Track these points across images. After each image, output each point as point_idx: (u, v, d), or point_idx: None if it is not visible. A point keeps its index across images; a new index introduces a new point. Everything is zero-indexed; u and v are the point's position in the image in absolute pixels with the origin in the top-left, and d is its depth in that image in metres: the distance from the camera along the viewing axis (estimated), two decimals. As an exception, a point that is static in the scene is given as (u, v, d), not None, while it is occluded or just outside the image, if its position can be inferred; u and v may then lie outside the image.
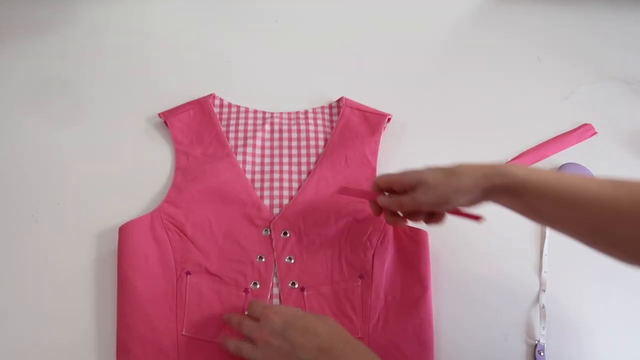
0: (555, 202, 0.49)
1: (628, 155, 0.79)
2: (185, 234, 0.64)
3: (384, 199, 0.58)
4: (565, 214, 0.49)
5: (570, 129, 0.80)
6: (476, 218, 0.59)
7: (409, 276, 0.64)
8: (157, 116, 0.74)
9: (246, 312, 0.59)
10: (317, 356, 0.48)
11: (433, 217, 0.59)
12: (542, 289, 0.66)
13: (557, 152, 0.78)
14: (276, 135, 0.75)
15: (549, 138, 0.79)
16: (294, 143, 0.74)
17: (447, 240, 0.68)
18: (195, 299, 0.61)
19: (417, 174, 0.55)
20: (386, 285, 0.63)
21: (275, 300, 0.62)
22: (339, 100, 0.78)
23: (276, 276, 0.63)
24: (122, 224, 0.63)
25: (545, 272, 0.67)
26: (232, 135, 0.74)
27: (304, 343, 0.49)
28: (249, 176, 0.70)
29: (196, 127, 0.74)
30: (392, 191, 0.59)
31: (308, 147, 0.74)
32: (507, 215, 0.71)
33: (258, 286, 0.62)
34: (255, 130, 0.74)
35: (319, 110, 0.78)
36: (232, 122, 0.75)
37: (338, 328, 0.52)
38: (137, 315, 0.58)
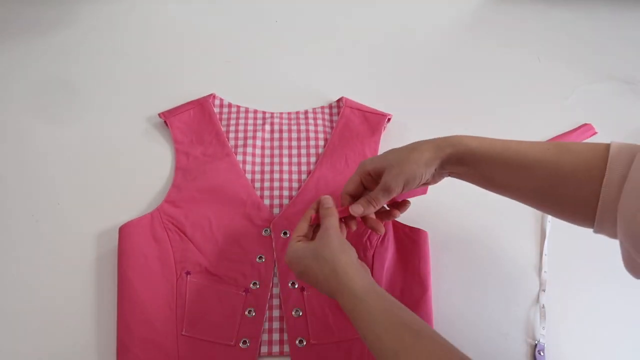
0: (503, 167, 0.51)
1: (628, 155, 0.79)
2: (185, 234, 0.64)
3: (356, 208, 0.56)
4: (512, 179, 0.52)
5: (570, 129, 0.80)
6: (423, 191, 0.60)
7: (409, 276, 0.64)
8: (157, 116, 0.74)
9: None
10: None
11: (402, 205, 0.61)
12: (542, 289, 0.66)
13: (557, 152, 0.78)
14: (276, 135, 0.75)
15: (549, 138, 0.79)
16: (294, 143, 0.74)
17: (447, 240, 0.69)
18: (195, 299, 0.61)
19: (379, 160, 0.57)
20: (386, 285, 0.63)
21: (275, 300, 0.62)
22: (339, 100, 0.78)
23: (276, 276, 0.63)
24: (122, 224, 0.63)
25: (545, 272, 0.67)
26: (232, 135, 0.74)
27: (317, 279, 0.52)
28: (249, 176, 0.70)
29: (196, 127, 0.74)
30: (361, 191, 0.59)
31: (308, 147, 0.74)
32: (507, 215, 0.71)
33: (258, 286, 0.62)
34: (255, 130, 0.74)
35: (319, 110, 0.78)
36: (232, 122, 0.75)
37: (329, 275, 0.52)
38: (137, 315, 0.58)
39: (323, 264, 0.51)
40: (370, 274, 0.56)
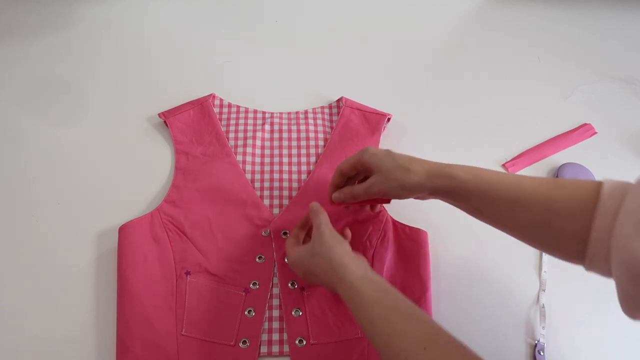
0: (495, 201, 0.51)
1: (628, 155, 0.79)
2: (185, 234, 0.64)
3: (337, 195, 0.61)
4: (504, 213, 0.52)
5: (570, 129, 0.80)
6: (387, 201, 0.61)
7: (409, 276, 0.64)
8: (157, 116, 0.74)
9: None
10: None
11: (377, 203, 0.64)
12: (542, 289, 0.66)
13: (557, 152, 0.78)
14: (276, 135, 0.75)
15: (549, 138, 0.79)
16: (294, 143, 0.74)
17: (447, 240, 0.69)
18: (195, 299, 0.61)
19: (376, 160, 0.57)
20: (386, 285, 0.63)
21: (275, 301, 0.62)
22: (338, 100, 0.78)
23: (276, 276, 0.63)
24: (122, 224, 0.63)
25: (545, 272, 0.67)
26: (232, 135, 0.74)
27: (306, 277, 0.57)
28: (248, 176, 0.70)
29: (196, 127, 0.74)
30: (354, 172, 0.61)
31: (308, 147, 0.74)
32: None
33: (258, 286, 0.62)
34: (255, 130, 0.74)
35: (318, 110, 0.78)
36: (232, 122, 0.75)
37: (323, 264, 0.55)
38: (137, 315, 0.58)
39: (320, 260, 0.54)
40: (367, 263, 0.57)
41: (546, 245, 0.51)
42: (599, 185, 0.46)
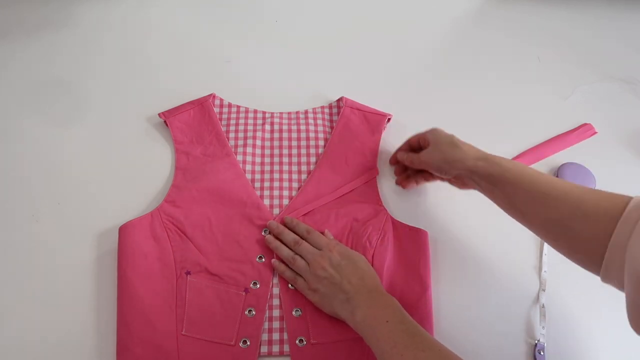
0: (529, 193, 0.54)
1: (628, 155, 0.79)
2: (185, 234, 0.64)
3: (401, 155, 0.70)
4: (534, 206, 0.54)
5: (570, 129, 0.80)
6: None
7: (409, 276, 0.64)
8: (157, 116, 0.74)
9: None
10: (355, 293, 0.56)
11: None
12: (542, 289, 0.66)
13: (557, 152, 0.78)
14: (276, 135, 0.75)
15: (549, 138, 0.79)
16: (294, 143, 0.74)
17: (447, 240, 0.69)
18: (195, 298, 0.61)
19: (435, 138, 0.64)
20: (386, 285, 0.63)
21: (275, 300, 0.62)
22: (339, 100, 0.78)
23: (276, 276, 0.63)
24: (122, 224, 0.63)
25: (545, 271, 0.67)
26: (232, 135, 0.74)
27: (351, 280, 0.57)
28: (249, 176, 0.70)
29: (196, 127, 0.74)
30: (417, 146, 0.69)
31: (308, 147, 0.74)
32: (508, 215, 0.71)
33: (258, 286, 0.62)
34: (255, 130, 0.74)
35: (319, 110, 0.78)
36: (232, 122, 0.75)
37: (379, 282, 0.59)
38: (137, 314, 0.58)
39: (376, 276, 0.61)
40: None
41: (566, 244, 0.52)
42: (629, 197, 0.47)
